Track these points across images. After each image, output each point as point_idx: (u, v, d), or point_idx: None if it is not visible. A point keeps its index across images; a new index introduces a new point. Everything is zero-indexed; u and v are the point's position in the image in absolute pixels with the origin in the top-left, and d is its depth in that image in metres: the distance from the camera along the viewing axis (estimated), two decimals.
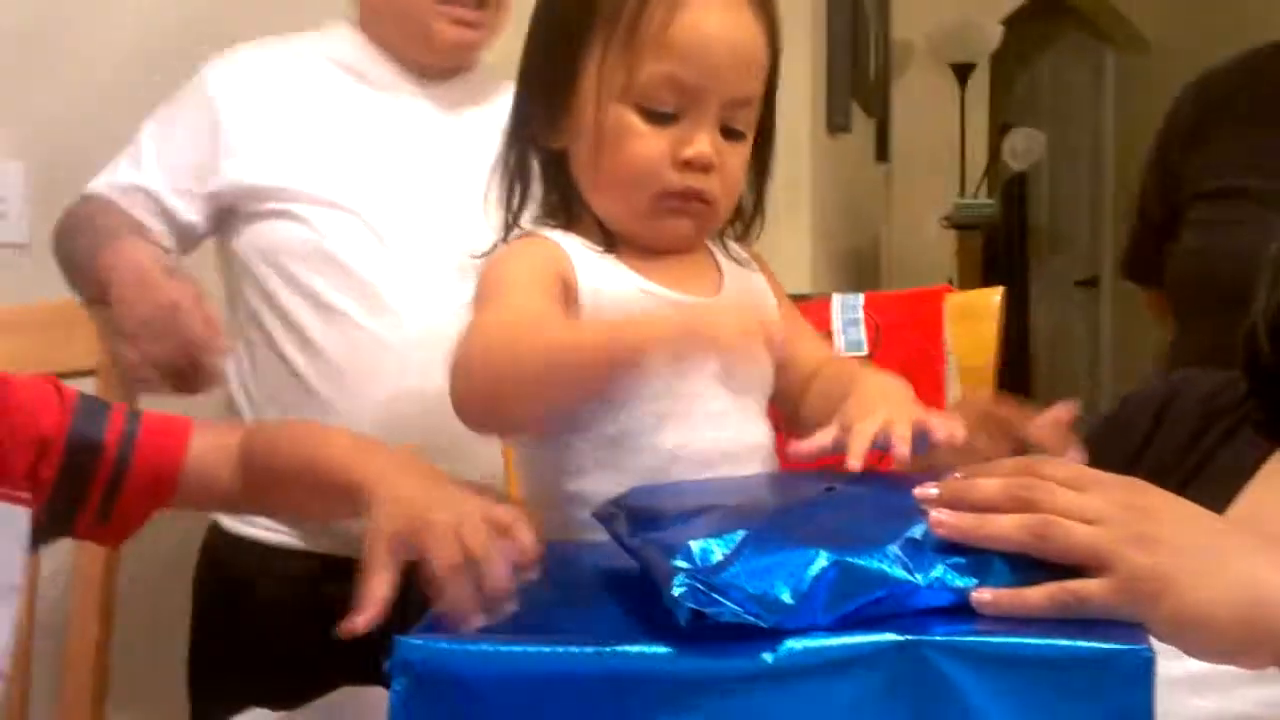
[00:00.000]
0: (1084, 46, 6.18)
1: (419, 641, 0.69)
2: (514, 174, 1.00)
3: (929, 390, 1.46)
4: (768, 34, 0.96)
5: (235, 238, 1.52)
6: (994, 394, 1.02)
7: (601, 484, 0.91)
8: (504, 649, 0.68)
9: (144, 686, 1.64)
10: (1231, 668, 0.72)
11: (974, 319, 1.46)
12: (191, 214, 1.52)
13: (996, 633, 0.68)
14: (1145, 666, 0.66)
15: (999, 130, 5.47)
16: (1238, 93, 1.66)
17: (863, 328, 1.56)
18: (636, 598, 0.73)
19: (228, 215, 1.52)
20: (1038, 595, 0.70)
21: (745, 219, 1.03)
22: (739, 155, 0.96)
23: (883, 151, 4.80)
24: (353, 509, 0.85)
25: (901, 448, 0.84)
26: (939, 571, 0.71)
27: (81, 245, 1.44)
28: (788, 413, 1.03)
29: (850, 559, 0.69)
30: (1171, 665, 0.69)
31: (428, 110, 1.55)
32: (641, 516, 0.80)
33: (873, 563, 0.70)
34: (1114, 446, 1.06)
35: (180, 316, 1.26)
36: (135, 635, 1.54)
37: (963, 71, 5.02)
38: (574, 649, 0.67)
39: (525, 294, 0.92)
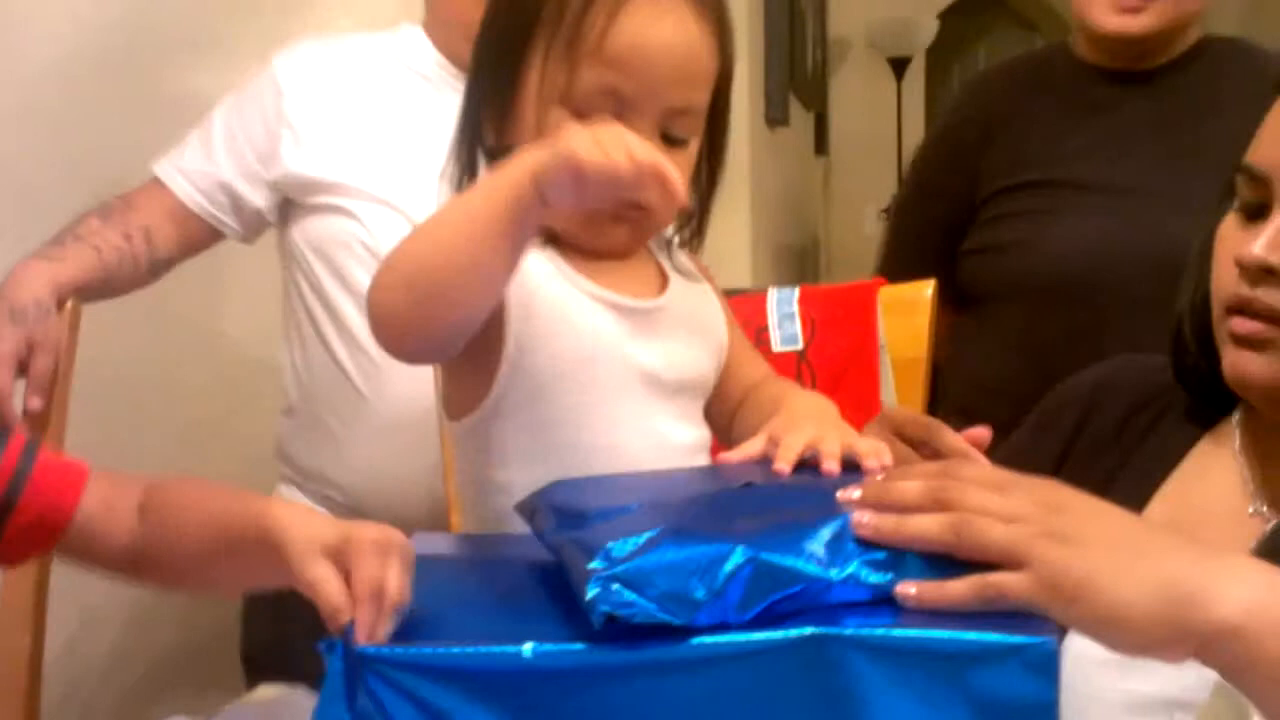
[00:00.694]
0: (1016, 37, 6.27)
1: (350, 647, 0.70)
2: (463, 170, 1.00)
3: (864, 384, 1.47)
4: (716, 42, 0.95)
5: (291, 229, 1.56)
6: (910, 411, 1.02)
7: (526, 474, 0.90)
8: (427, 651, 0.69)
9: (80, 689, 1.62)
10: None
11: (907, 312, 1.46)
12: (258, 200, 1.55)
13: (903, 626, 0.68)
14: (1049, 658, 0.66)
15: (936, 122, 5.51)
16: (1034, 86, 1.66)
17: (798, 322, 1.56)
18: (558, 591, 0.74)
19: (286, 205, 1.56)
20: (960, 588, 0.71)
21: (691, 226, 1.02)
22: (680, 162, 0.94)
23: (821, 145, 4.83)
24: (261, 558, 0.85)
25: (830, 464, 0.84)
26: (854, 568, 0.72)
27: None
28: (720, 427, 1.03)
29: (765, 556, 0.70)
30: (1098, 648, 0.71)
31: None
32: (560, 512, 0.80)
33: (788, 559, 0.70)
34: (1047, 436, 1.08)
35: None
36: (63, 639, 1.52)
37: (899, 65, 5.06)
38: (494, 648, 0.68)
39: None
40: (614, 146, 0.80)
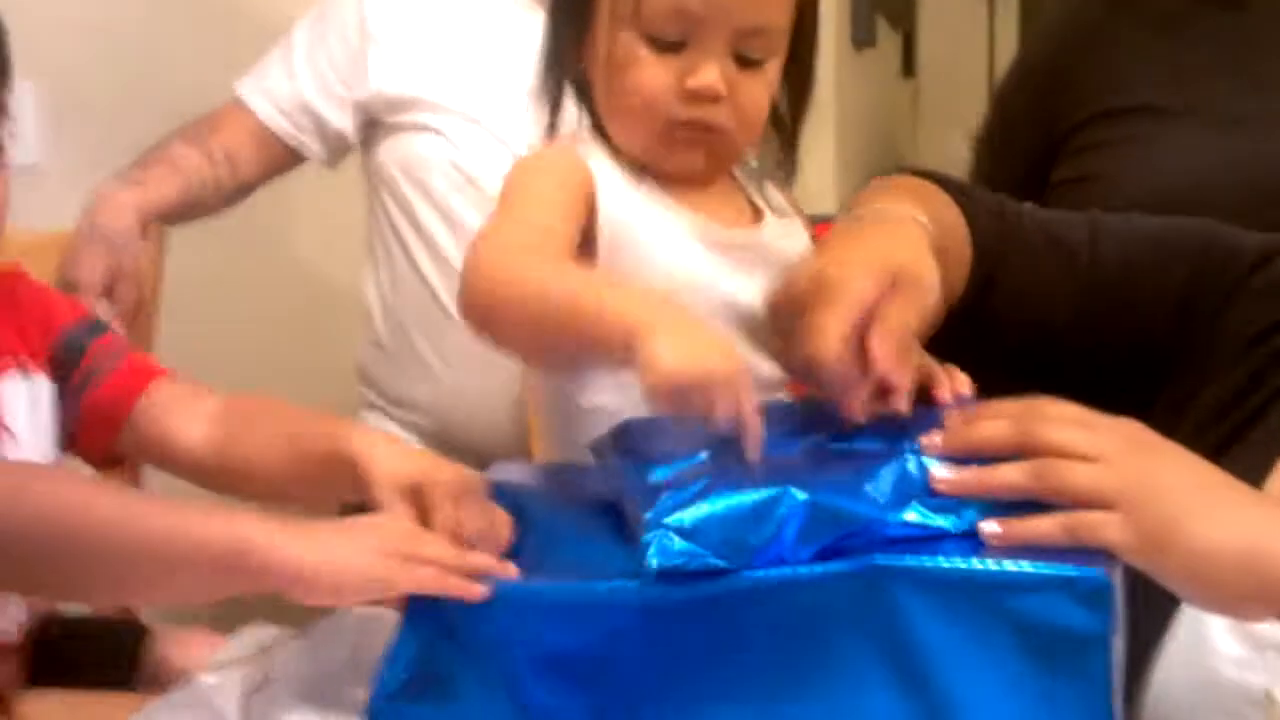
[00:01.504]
0: None
1: None
2: (551, 100, 0.99)
3: None
4: None
5: (377, 149, 1.56)
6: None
7: (617, 399, 0.90)
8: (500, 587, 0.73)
9: None
10: None
11: None
12: (343, 121, 1.55)
13: (953, 557, 0.69)
14: (1101, 589, 0.67)
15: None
16: (1116, 10, 1.60)
17: None
18: (620, 533, 0.77)
19: (372, 126, 1.55)
20: (1049, 525, 0.69)
21: (782, 153, 1.02)
22: (757, 83, 0.93)
23: (909, 66, 4.72)
24: (342, 482, 0.84)
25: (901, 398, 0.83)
26: (913, 510, 0.72)
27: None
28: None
29: (821, 499, 0.70)
30: (1235, 646, 0.68)
31: None
32: (626, 455, 0.81)
33: (845, 502, 0.71)
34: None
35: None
36: None
37: None
38: (561, 584, 0.72)
39: (538, 208, 0.91)
40: (696, 405, 0.77)
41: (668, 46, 0.91)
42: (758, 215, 0.99)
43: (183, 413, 1.03)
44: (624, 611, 0.70)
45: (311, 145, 1.57)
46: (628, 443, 0.83)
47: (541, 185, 0.93)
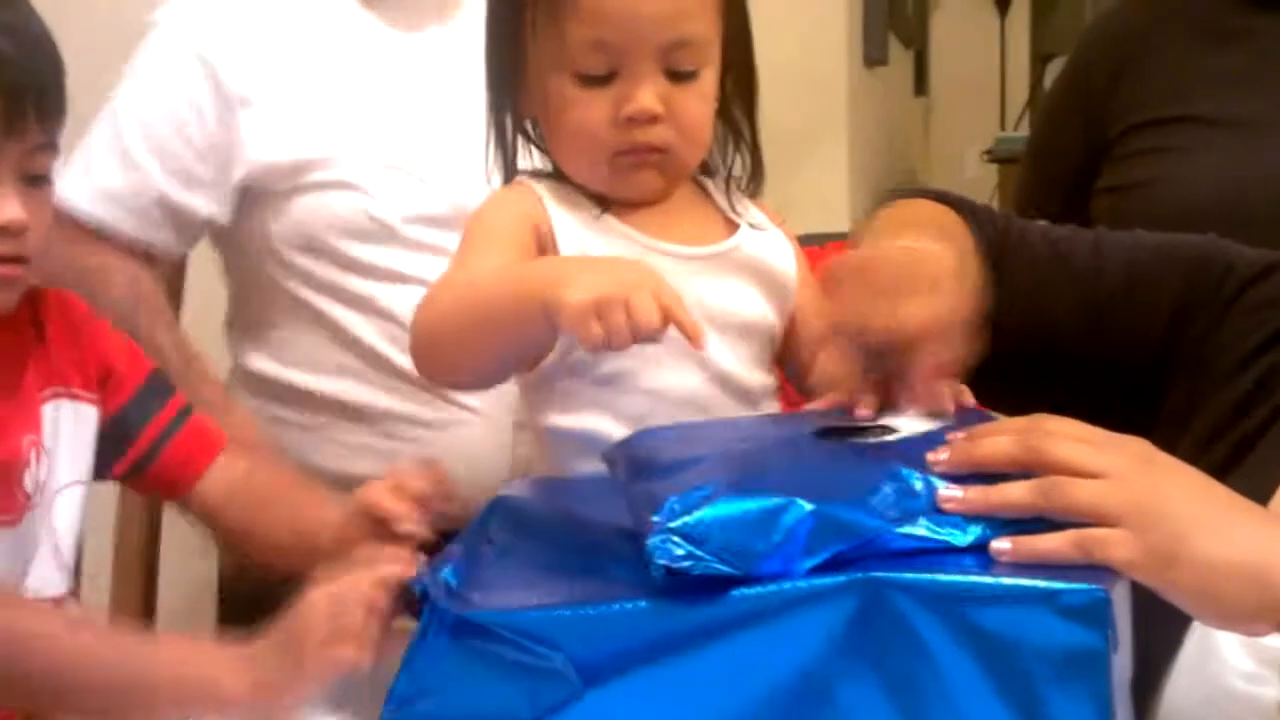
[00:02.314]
0: None
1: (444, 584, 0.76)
2: (501, 144, 1.00)
3: None
4: None
5: (264, 221, 1.31)
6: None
7: (590, 423, 0.92)
8: (503, 615, 0.73)
9: None
10: None
11: None
12: (212, 205, 1.30)
13: (954, 573, 0.68)
14: (1099, 606, 0.66)
15: (1041, 61, 5.37)
16: (1166, 17, 1.59)
17: None
18: (627, 543, 0.76)
19: (253, 198, 1.31)
20: (1057, 541, 0.69)
21: (744, 162, 1.00)
22: (692, 96, 0.93)
23: (921, 85, 4.73)
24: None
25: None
26: (920, 523, 0.71)
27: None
28: (795, 375, 1.02)
29: (828, 509, 0.70)
30: (1245, 660, 0.68)
31: (394, 37, 1.37)
32: (636, 463, 0.81)
33: (851, 513, 0.70)
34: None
35: None
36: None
37: (1003, 1, 4.93)
38: (562, 611, 0.71)
39: (490, 257, 0.92)
40: (616, 324, 0.80)
41: (598, 80, 0.91)
42: (731, 227, 0.98)
43: (235, 492, 1.08)
44: (630, 630, 0.70)
45: (164, 239, 1.31)
46: (635, 451, 0.83)
47: (495, 233, 0.94)
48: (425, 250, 1.31)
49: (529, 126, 0.99)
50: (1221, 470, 0.77)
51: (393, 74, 1.36)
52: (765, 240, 0.99)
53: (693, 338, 0.81)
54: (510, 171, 0.99)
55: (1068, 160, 1.63)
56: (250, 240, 1.34)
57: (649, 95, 0.91)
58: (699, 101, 0.94)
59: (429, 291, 0.94)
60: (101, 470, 1.05)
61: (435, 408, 1.32)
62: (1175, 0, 1.60)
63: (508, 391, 1.08)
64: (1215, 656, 0.78)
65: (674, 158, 0.94)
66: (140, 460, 1.07)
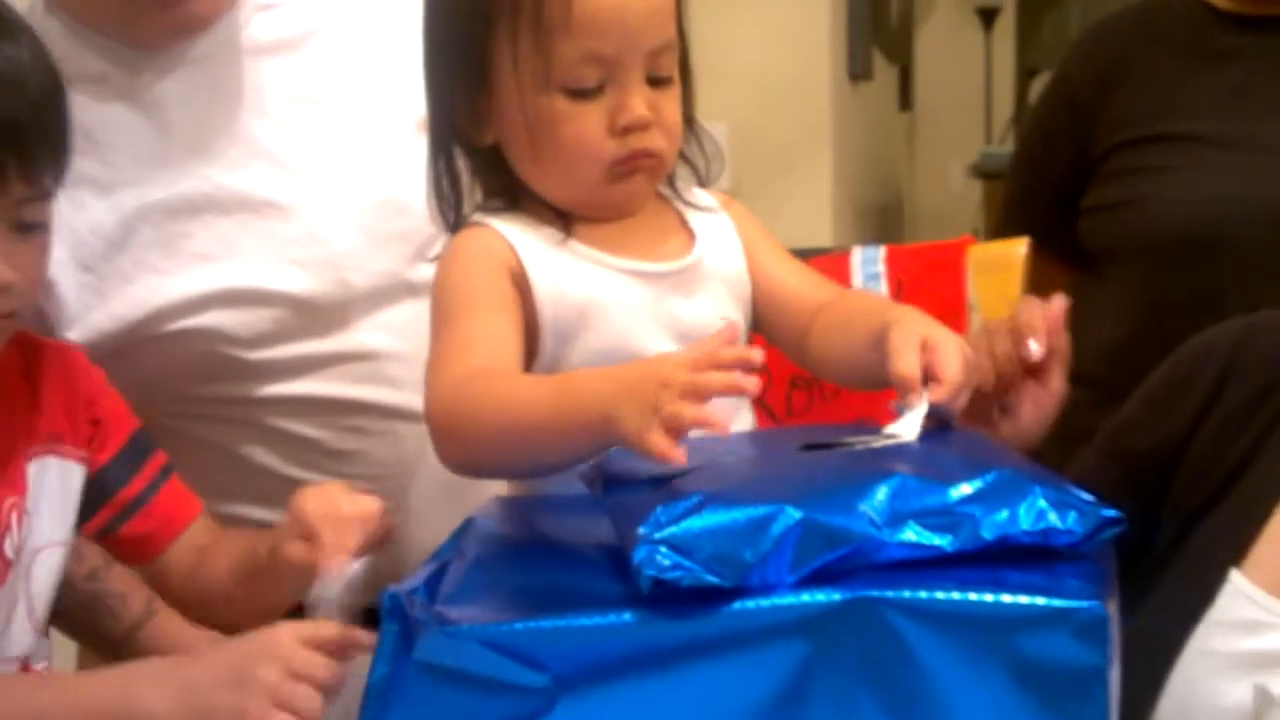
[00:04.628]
0: None
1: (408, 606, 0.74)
2: (446, 177, 0.98)
3: None
4: None
5: (110, 372, 1.09)
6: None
7: None
8: (480, 629, 0.71)
9: None
10: None
11: (998, 271, 1.42)
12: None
13: (951, 589, 0.68)
14: (1098, 623, 0.66)
15: (1026, 76, 5.38)
16: (1154, 35, 1.60)
17: (884, 282, 1.52)
18: (610, 556, 0.75)
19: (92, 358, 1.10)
20: None
21: (699, 159, 1.00)
22: (671, 99, 0.94)
23: (906, 99, 4.73)
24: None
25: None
26: (909, 528, 0.71)
27: None
28: (791, 350, 1.01)
29: (816, 516, 0.69)
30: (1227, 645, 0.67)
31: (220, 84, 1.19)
32: (618, 478, 0.81)
33: (840, 520, 0.70)
34: (1174, 409, 1.01)
35: None
36: None
37: (988, 16, 4.94)
38: (541, 623, 0.69)
39: (474, 317, 0.91)
40: (668, 436, 0.77)
41: (587, 93, 0.91)
42: (689, 234, 0.98)
43: (212, 557, 1.06)
44: (617, 644, 0.69)
45: None
46: (616, 466, 0.82)
47: (470, 286, 0.92)
48: (289, 371, 1.19)
49: (478, 155, 0.96)
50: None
51: (203, 184, 1.17)
52: (720, 238, 0.99)
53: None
54: (458, 212, 0.97)
55: (1054, 175, 1.62)
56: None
57: (642, 102, 0.91)
58: (675, 105, 0.95)
59: (431, 382, 0.89)
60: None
61: None
62: (1162, 18, 1.60)
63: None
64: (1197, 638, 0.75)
65: (661, 163, 0.95)
66: (113, 521, 1.04)
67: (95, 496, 1.03)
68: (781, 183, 2.89)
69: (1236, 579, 0.89)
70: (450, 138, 0.97)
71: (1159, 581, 0.91)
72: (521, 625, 0.70)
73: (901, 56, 4.55)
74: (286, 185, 1.18)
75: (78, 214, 1.11)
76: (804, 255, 1.46)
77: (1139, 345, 1.33)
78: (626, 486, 0.78)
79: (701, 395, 0.76)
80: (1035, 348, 0.95)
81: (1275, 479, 0.78)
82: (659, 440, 0.75)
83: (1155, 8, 1.64)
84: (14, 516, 0.95)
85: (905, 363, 0.84)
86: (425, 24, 0.97)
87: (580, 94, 0.91)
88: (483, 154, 0.97)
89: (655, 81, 0.93)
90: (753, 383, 0.77)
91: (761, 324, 1.01)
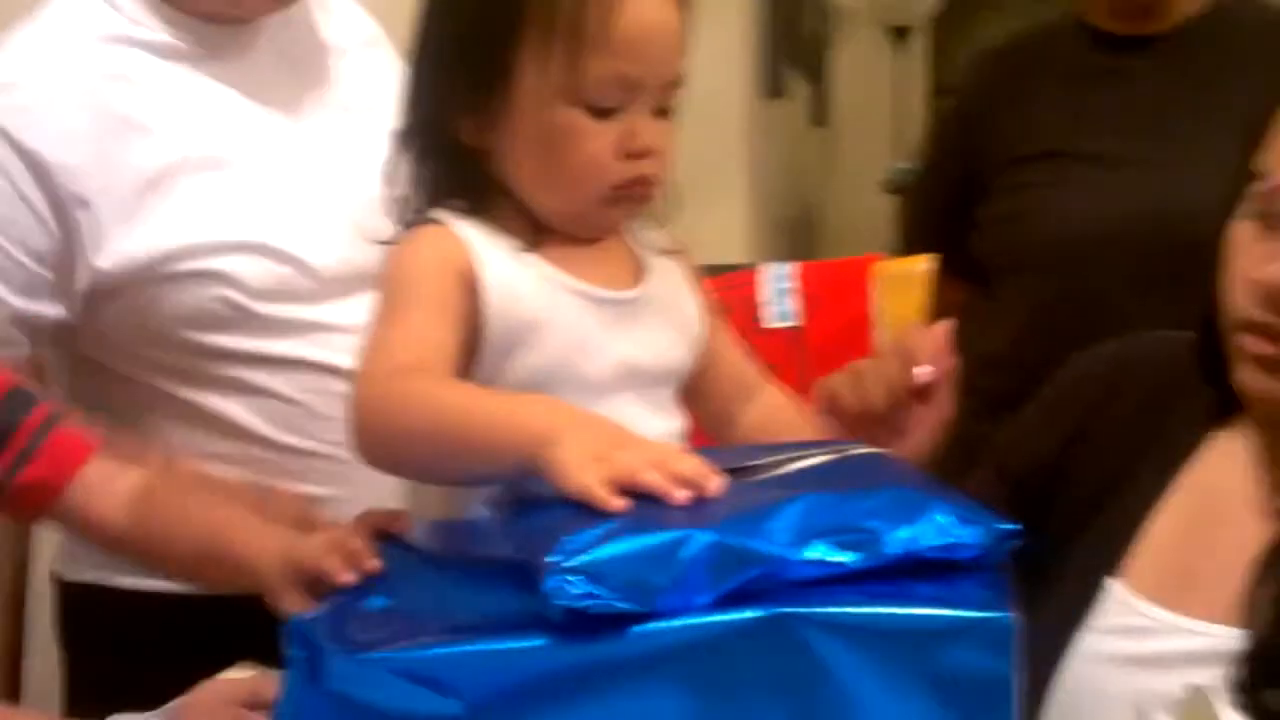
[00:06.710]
0: (1024, 7, 6.18)
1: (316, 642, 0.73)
2: (421, 168, 0.97)
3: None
4: (680, 6, 0.96)
5: (108, 316, 1.22)
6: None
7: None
8: (390, 655, 0.70)
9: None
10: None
11: (903, 287, 1.45)
12: (58, 307, 1.21)
13: (863, 604, 0.69)
14: (1005, 634, 0.68)
15: (938, 93, 5.46)
16: (1042, 57, 1.65)
17: (794, 298, 1.53)
18: (519, 582, 0.74)
19: (97, 295, 1.21)
20: None
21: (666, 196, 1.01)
22: (670, 133, 0.96)
23: (820, 116, 4.77)
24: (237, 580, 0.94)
25: None
26: (817, 548, 0.71)
27: None
28: (709, 415, 1.03)
29: (726, 539, 0.70)
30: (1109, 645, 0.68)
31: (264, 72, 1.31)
32: (526, 503, 0.80)
33: (749, 541, 0.70)
34: (1060, 414, 1.07)
35: None
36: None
37: (901, 34, 5.01)
38: (453, 649, 0.69)
39: (417, 312, 0.90)
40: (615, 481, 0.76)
41: (605, 112, 0.92)
42: (639, 267, 0.99)
43: (107, 495, 1.02)
44: (530, 668, 0.69)
45: (16, 353, 1.21)
46: (523, 492, 0.82)
47: (419, 282, 0.91)
48: (289, 330, 1.26)
49: (458, 153, 0.95)
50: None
51: (242, 146, 1.28)
52: (672, 277, 1.00)
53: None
54: (423, 208, 0.96)
55: (949, 192, 1.67)
56: (98, 336, 1.25)
57: (652, 130, 0.93)
58: (670, 137, 0.96)
59: (364, 365, 0.89)
60: None
61: (327, 483, 1.26)
62: (1049, 41, 1.66)
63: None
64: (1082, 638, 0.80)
65: (653, 193, 0.96)
66: (9, 469, 1.01)
67: None
68: (697, 200, 2.90)
69: (1115, 587, 0.93)
70: (430, 132, 0.96)
71: (1045, 591, 0.94)
72: (433, 651, 0.69)
73: (815, 73, 4.60)
74: (317, 159, 1.30)
75: (124, 152, 1.21)
76: (715, 271, 1.47)
77: (1026, 354, 1.38)
78: (535, 510, 0.78)
79: (636, 483, 0.75)
80: (923, 371, 0.97)
81: (1149, 493, 0.82)
82: (598, 489, 0.75)
83: (1043, 32, 1.71)
84: None
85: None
86: (429, 19, 0.96)
87: (601, 112, 0.91)
88: (459, 153, 0.95)
89: (661, 112, 0.94)
90: (683, 496, 0.75)
91: (694, 378, 1.01)
